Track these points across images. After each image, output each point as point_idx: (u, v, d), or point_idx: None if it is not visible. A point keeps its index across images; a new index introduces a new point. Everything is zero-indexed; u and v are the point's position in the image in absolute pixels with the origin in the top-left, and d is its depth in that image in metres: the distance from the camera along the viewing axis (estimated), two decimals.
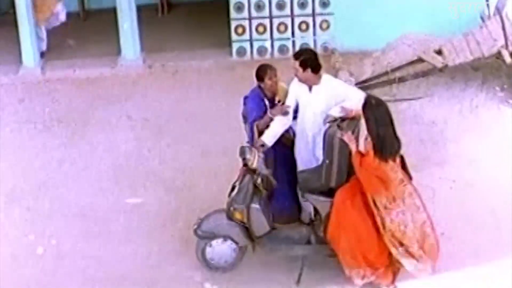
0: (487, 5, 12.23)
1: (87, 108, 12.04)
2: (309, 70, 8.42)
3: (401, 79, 11.76)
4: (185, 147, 10.88)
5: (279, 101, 8.71)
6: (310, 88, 8.51)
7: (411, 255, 8.08)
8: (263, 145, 8.43)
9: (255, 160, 8.19)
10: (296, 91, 8.61)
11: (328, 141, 8.02)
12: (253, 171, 8.25)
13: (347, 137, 7.93)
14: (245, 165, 8.27)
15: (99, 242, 9.21)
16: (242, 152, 8.25)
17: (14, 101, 12.35)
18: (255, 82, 8.76)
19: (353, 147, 7.95)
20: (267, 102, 8.73)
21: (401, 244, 8.02)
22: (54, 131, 11.49)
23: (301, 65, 8.41)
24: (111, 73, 13.07)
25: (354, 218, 8.00)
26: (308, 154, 8.63)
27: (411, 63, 12.04)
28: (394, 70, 11.96)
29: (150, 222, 9.44)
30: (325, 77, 8.56)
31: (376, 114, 7.84)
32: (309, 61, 8.43)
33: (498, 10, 11.78)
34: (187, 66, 13.06)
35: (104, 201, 9.92)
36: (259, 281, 8.49)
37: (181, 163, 10.53)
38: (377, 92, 11.57)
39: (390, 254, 8.08)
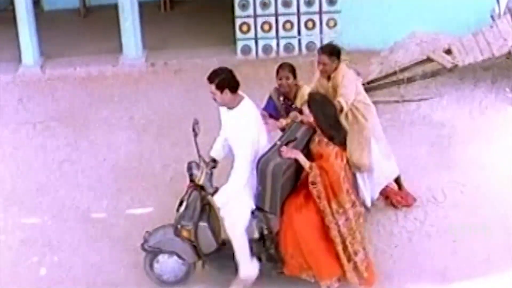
0: (498, 3, 12.04)
1: (87, 107, 11.87)
2: (227, 91, 7.73)
3: (410, 79, 11.55)
4: (188, 148, 10.62)
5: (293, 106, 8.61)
6: (229, 109, 7.95)
7: (357, 270, 7.99)
8: (214, 160, 8.23)
9: (202, 176, 7.99)
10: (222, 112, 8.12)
11: (261, 169, 7.68)
12: (201, 187, 8.05)
13: (291, 153, 7.78)
14: (191, 180, 8.06)
15: (99, 247, 9.03)
16: (189, 167, 8.08)
17: (13, 100, 12.17)
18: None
19: (306, 166, 7.77)
20: (281, 100, 8.66)
21: (349, 258, 7.94)
22: (54, 131, 11.30)
23: (217, 87, 7.69)
24: (112, 72, 12.88)
25: (303, 230, 7.84)
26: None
27: (420, 62, 11.86)
28: (402, 70, 11.75)
29: (152, 227, 9.21)
30: (245, 102, 7.92)
31: (323, 109, 7.83)
32: (226, 82, 7.72)
33: (509, 9, 11.62)
34: (190, 64, 12.85)
35: (104, 204, 9.72)
36: None
37: (184, 165, 10.28)
38: (385, 93, 11.48)
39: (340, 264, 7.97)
